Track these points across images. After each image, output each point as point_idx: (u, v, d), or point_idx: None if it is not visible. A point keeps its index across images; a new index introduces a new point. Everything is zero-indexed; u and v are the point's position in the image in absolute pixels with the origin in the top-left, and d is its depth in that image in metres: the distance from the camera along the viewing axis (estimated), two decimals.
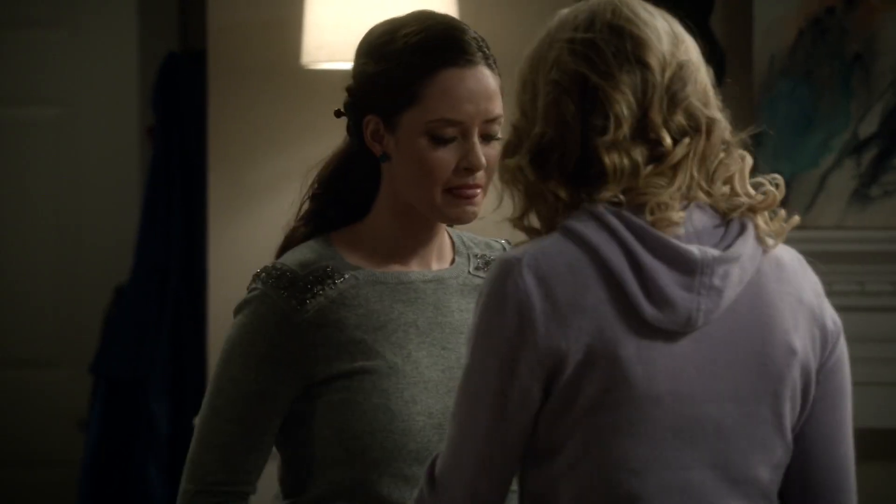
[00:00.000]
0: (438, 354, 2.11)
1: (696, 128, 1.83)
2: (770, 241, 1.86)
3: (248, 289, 2.12)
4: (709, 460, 1.81)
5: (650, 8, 1.87)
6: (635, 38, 1.83)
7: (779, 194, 1.86)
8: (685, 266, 1.79)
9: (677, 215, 1.80)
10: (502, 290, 1.78)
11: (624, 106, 1.80)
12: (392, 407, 2.06)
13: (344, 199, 2.16)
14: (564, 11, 1.89)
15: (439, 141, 2.06)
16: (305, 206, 2.18)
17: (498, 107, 2.11)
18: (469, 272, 2.18)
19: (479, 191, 2.09)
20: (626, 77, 1.81)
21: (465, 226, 2.17)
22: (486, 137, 2.09)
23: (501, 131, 2.11)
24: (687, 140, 1.82)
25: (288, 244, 2.18)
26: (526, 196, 1.85)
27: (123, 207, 5.48)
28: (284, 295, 2.07)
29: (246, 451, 2.10)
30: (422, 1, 3.68)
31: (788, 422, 1.85)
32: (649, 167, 1.81)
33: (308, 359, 2.08)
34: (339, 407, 2.07)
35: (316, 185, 2.17)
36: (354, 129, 2.13)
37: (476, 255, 2.20)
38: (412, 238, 2.14)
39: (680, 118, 1.82)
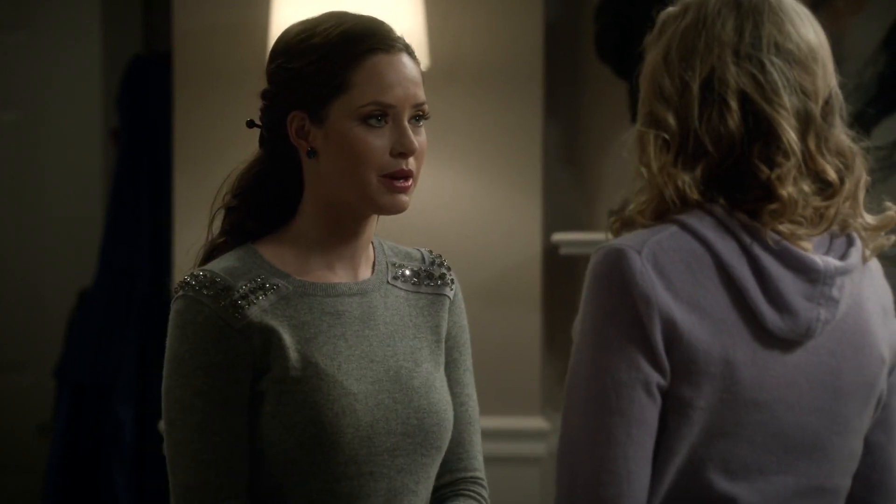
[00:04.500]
0: (367, 367, 2.08)
1: (848, 165, 1.81)
2: (867, 253, 1.86)
3: (174, 297, 2.08)
4: (802, 467, 1.82)
5: (802, 14, 1.83)
6: (798, 61, 1.79)
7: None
8: (809, 275, 1.77)
9: (809, 245, 1.79)
10: (621, 279, 1.74)
11: (794, 136, 1.77)
12: (322, 419, 2.03)
13: (263, 210, 2.14)
14: None
15: (371, 125, 2.05)
16: (221, 219, 2.16)
17: (423, 93, 2.09)
18: (387, 282, 2.16)
19: (410, 180, 2.07)
20: (789, 103, 1.78)
21: (399, 230, 2.15)
22: (417, 119, 2.08)
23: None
24: (847, 179, 1.80)
25: (209, 257, 2.15)
26: (667, 200, 1.80)
27: (87, 210, 5.45)
28: (221, 304, 2.04)
29: (241, 459, 2.05)
30: (388, 4, 3.68)
31: (866, 428, 1.87)
32: (816, 200, 1.79)
33: (250, 365, 2.05)
34: (269, 420, 2.04)
35: (230, 198, 2.15)
36: (275, 132, 2.11)
37: (394, 265, 2.18)
38: (337, 239, 2.11)
39: (833, 154, 1.80)
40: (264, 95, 2.13)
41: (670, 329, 1.74)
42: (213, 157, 4.12)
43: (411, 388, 2.09)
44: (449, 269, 2.23)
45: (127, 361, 4.80)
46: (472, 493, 2.21)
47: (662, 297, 1.74)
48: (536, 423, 4.18)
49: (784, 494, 1.81)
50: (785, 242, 1.77)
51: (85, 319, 4.95)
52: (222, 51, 4.13)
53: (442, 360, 2.17)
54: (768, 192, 1.77)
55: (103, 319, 4.87)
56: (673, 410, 1.76)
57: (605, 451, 1.74)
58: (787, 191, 1.77)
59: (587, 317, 1.76)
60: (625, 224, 1.84)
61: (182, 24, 4.17)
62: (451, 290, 2.21)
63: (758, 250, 1.76)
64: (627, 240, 1.77)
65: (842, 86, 1.88)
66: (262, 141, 2.15)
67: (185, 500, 2.04)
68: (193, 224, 4.15)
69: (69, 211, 5.51)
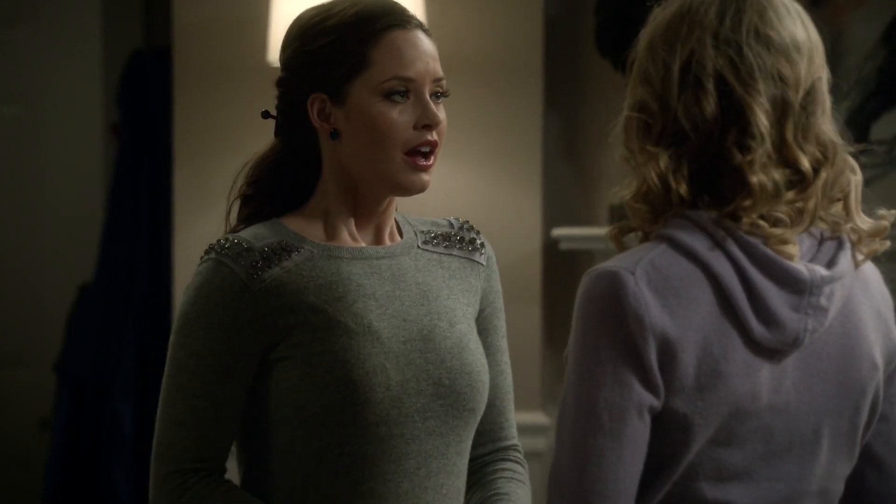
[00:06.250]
0: (399, 326, 2.08)
1: (827, 156, 1.80)
2: (860, 258, 1.85)
3: (200, 261, 2.08)
4: (795, 473, 1.82)
5: (791, 9, 1.82)
6: (779, 48, 1.79)
7: (889, 228, 1.85)
8: (795, 286, 1.77)
9: (794, 248, 1.79)
10: (615, 301, 1.75)
11: (765, 121, 1.77)
12: (353, 378, 2.02)
13: (280, 197, 2.14)
14: None
15: (394, 101, 2.07)
16: (238, 209, 2.16)
17: (441, 69, 2.11)
18: (418, 246, 2.16)
19: (432, 157, 2.08)
20: (765, 89, 1.78)
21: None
22: (436, 95, 2.10)
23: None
24: (822, 169, 1.79)
25: None
26: (647, 182, 1.81)
27: (86, 206, 5.46)
28: (242, 263, 2.04)
29: (218, 426, 2.05)
30: None
31: (860, 434, 1.86)
32: (790, 193, 1.78)
33: (267, 328, 2.04)
34: (297, 383, 2.04)
35: (247, 187, 2.15)
36: (293, 119, 2.12)
37: (422, 231, 2.19)
38: (359, 216, 2.12)
39: (812, 145, 1.79)
40: (280, 83, 2.13)
41: (664, 348, 1.75)
42: (213, 153, 4.12)
43: (444, 348, 2.09)
44: (478, 233, 2.23)
45: (126, 358, 4.81)
46: (516, 458, 2.22)
47: (657, 316, 1.74)
48: (537, 417, 4.18)
49: (775, 499, 1.81)
50: (770, 252, 1.77)
51: (84, 316, 4.95)
52: (223, 45, 4.13)
53: (474, 323, 2.17)
54: (741, 180, 1.77)
55: (102, 317, 4.87)
56: (674, 428, 1.77)
57: (596, 473, 1.74)
58: (758, 178, 1.76)
59: (580, 339, 1.77)
60: (623, 231, 1.85)
61: (182, 19, 4.17)
62: (482, 255, 2.21)
63: (745, 263, 1.77)
64: (620, 261, 1.78)
65: (835, 86, 1.87)
66: (279, 130, 2.15)
67: (155, 457, 2.06)
68: (193, 221, 4.16)
69: (69, 206, 5.51)
